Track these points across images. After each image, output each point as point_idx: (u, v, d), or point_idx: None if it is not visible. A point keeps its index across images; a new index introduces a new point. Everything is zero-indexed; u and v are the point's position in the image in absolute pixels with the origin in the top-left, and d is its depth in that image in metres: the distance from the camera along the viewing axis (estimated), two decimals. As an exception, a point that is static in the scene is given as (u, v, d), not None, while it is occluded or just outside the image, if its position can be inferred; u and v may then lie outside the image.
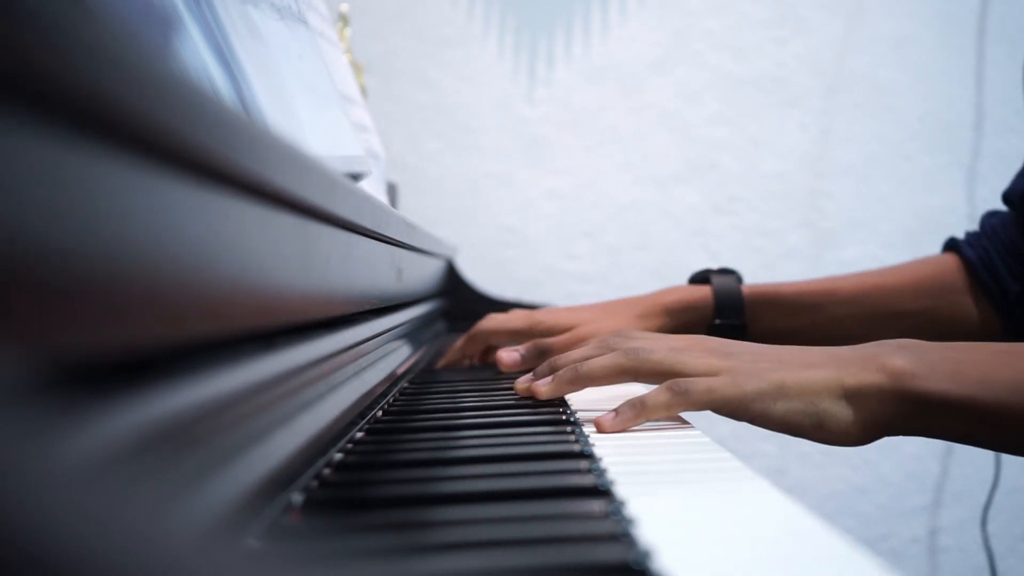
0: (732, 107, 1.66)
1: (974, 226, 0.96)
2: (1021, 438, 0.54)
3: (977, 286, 0.89)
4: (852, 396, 0.54)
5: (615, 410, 0.54)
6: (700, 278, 0.96)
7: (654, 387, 0.58)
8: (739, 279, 0.94)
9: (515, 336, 0.87)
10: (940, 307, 0.89)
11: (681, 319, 0.90)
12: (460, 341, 0.90)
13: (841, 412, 0.54)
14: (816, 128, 1.67)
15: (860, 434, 0.54)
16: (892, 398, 0.53)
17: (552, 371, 0.62)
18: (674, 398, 0.54)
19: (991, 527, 1.60)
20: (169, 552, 0.13)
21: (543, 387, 0.61)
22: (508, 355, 0.78)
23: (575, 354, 0.63)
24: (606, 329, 0.81)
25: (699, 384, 0.54)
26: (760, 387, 0.53)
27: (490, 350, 0.90)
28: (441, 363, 0.91)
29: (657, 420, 0.55)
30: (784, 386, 0.53)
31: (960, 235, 0.94)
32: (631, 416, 0.54)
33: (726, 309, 0.91)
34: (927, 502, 1.66)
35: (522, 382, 0.64)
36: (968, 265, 0.89)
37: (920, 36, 1.66)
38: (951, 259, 0.91)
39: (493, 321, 0.89)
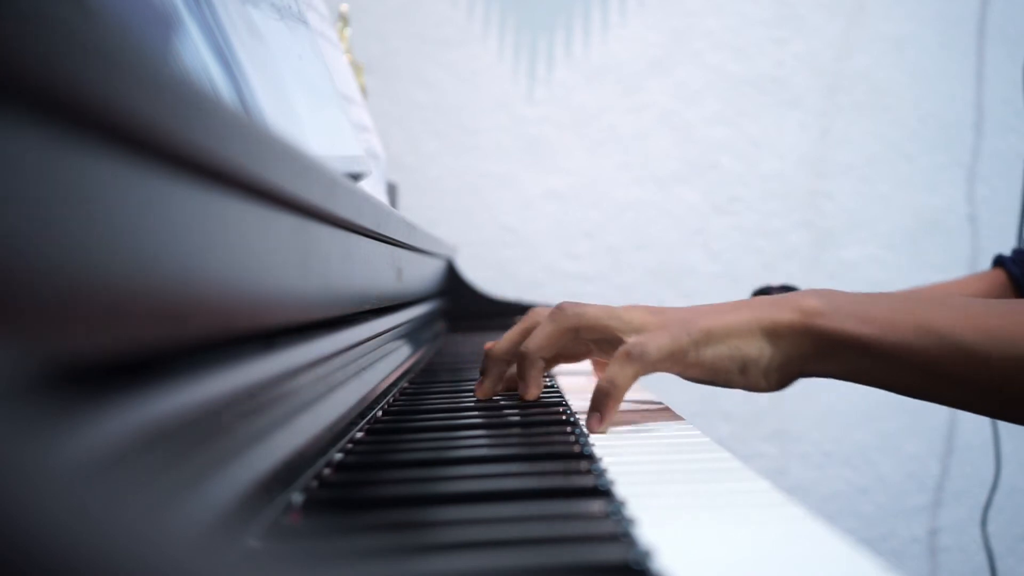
0: (732, 107, 1.66)
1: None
2: (922, 380, 0.56)
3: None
4: (769, 334, 0.57)
5: (593, 408, 0.55)
6: (763, 292, 0.97)
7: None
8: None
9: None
10: None
11: None
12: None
13: (761, 354, 0.57)
14: (816, 128, 1.67)
15: (777, 376, 0.58)
16: (804, 335, 0.57)
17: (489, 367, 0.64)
18: (637, 363, 0.56)
19: (991, 527, 1.60)
20: (169, 552, 0.13)
21: (486, 387, 0.63)
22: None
23: (502, 344, 0.64)
24: None
25: (650, 345, 0.56)
26: (692, 337, 0.56)
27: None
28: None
29: (625, 388, 0.56)
30: (711, 331, 0.57)
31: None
32: (609, 402, 0.55)
33: None
34: (927, 502, 1.66)
35: (480, 392, 0.65)
36: (1014, 281, 0.92)
37: (920, 36, 1.66)
38: (999, 275, 0.94)
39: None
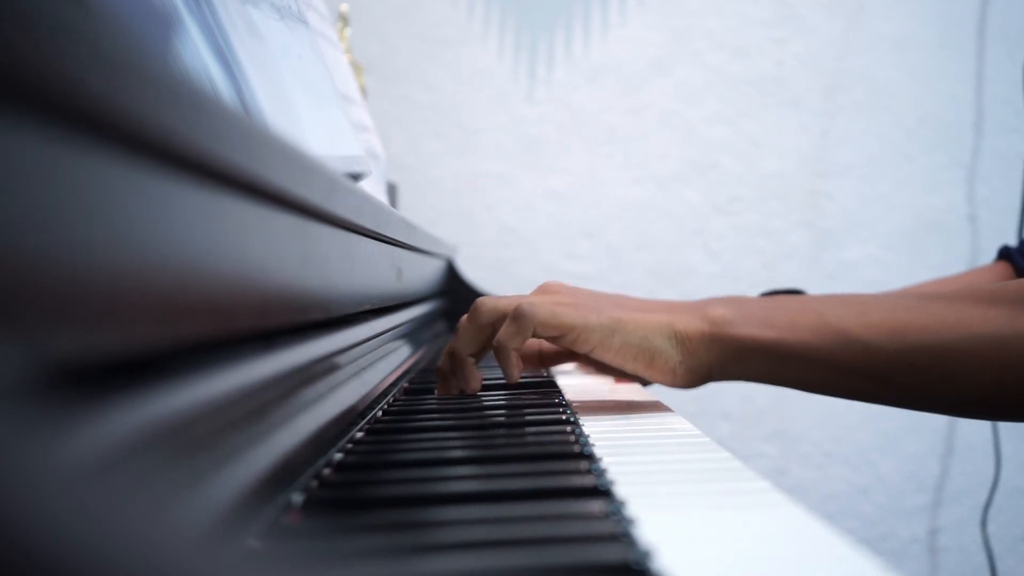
0: (732, 107, 1.66)
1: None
2: (825, 375, 0.59)
3: None
4: (680, 339, 0.60)
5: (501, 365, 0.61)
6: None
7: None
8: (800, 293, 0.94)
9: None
10: None
11: None
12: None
13: (670, 351, 0.59)
14: (816, 128, 1.67)
15: (685, 375, 0.60)
16: (712, 342, 0.59)
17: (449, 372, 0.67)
18: (522, 323, 0.59)
19: (991, 527, 1.60)
20: (169, 552, 0.13)
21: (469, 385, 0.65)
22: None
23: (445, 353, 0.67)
24: None
25: (542, 307, 0.59)
26: (600, 320, 0.59)
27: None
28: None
29: (516, 348, 0.60)
30: (621, 321, 0.59)
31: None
32: (503, 359, 0.60)
33: None
34: (927, 502, 1.66)
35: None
36: (1020, 272, 0.92)
37: (920, 36, 1.66)
38: (1004, 267, 0.94)
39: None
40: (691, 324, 0.59)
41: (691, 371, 0.60)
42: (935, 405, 0.61)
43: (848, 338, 0.58)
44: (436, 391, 0.67)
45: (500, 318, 0.62)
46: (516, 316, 0.59)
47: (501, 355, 0.60)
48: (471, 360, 0.64)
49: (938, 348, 0.56)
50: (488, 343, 0.63)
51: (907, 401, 0.60)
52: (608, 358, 0.59)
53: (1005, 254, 0.96)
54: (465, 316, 0.66)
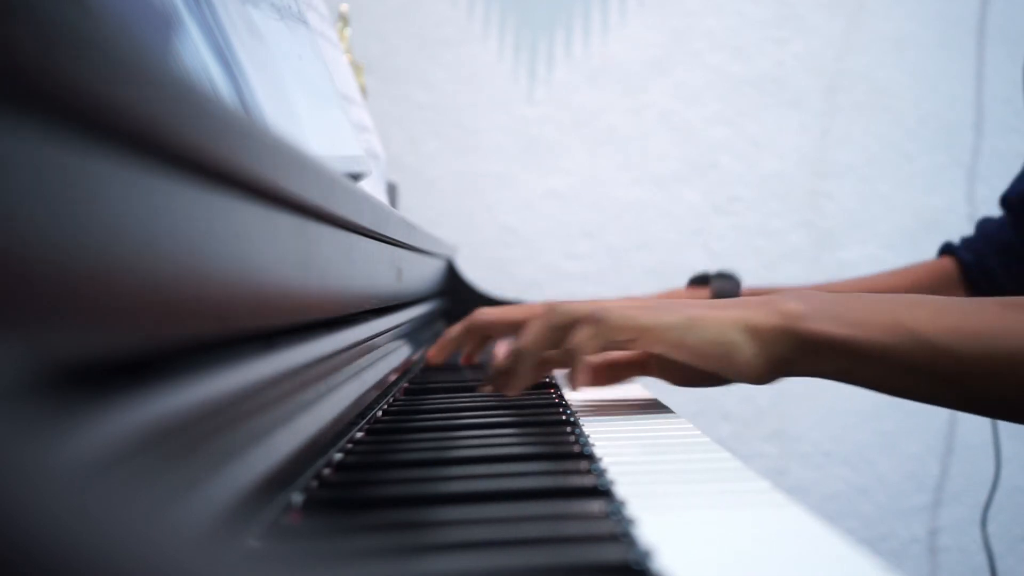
0: (732, 107, 1.66)
1: (973, 226, 0.97)
2: (897, 377, 0.59)
3: (972, 288, 0.91)
4: (754, 332, 0.59)
5: (568, 375, 0.59)
6: (700, 280, 0.96)
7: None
8: (738, 283, 0.94)
9: (515, 328, 0.86)
10: None
11: None
12: (456, 330, 0.86)
13: (746, 345, 0.59)
14: (816, 128, 1.67)
15: (762, 368, 0.60)
16: (785, 336, 0.59)
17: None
18: (597, 327, 0.58)
19: (991, 527, 1.60)
20: (169, 552, 0.13)
21: (508, 389, 0.64)
22: (505, 349, 0.80)
23: (501, 349, 0.67)
24: None
25: (616, 311, 0.59)
26: (675, 319, 0.59)
27: (485, 345, 0.88)
28: (433, 353, 0.86)
29: (590, 354, 0.60)
30: (696, 318, 0.59)
31: (959, 236, 0.95)
32: (575, 365, 0.59)
33: None
34: (927, 502, 1.66)
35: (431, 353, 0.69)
36: (964, 267, 0.92)
37: (920, 36, 1.66)
38: (948, 262, 0.94)
39: (490, 314, 0.87)
40: (764, 318, 0.59)
41: (768, 364, 0.60)
42: (1005, 411, 0.60)
43: (922, 340, 0.57)
44: (483, 389, 0.67)
45: (573, 323, 0.61)
46: (592, 320, 0.59)
47: (574, 360, 0.59)
48: (534, 362, 0.63)
49: (1014, 353, 0.56)
50: (556, 346, 0.63)
51: (977, 405, 0.60)
52: (684, 356, 0.59)
53: (948, 250, 0.97)
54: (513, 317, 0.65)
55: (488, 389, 0.66)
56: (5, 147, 0.17)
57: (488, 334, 0.87)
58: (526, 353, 0.62)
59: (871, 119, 1.66)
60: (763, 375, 0.60)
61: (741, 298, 0.62)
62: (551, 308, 0.62)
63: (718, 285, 0.93)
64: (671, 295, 0.94)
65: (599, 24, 1.66)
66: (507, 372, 0.63)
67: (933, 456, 1.66)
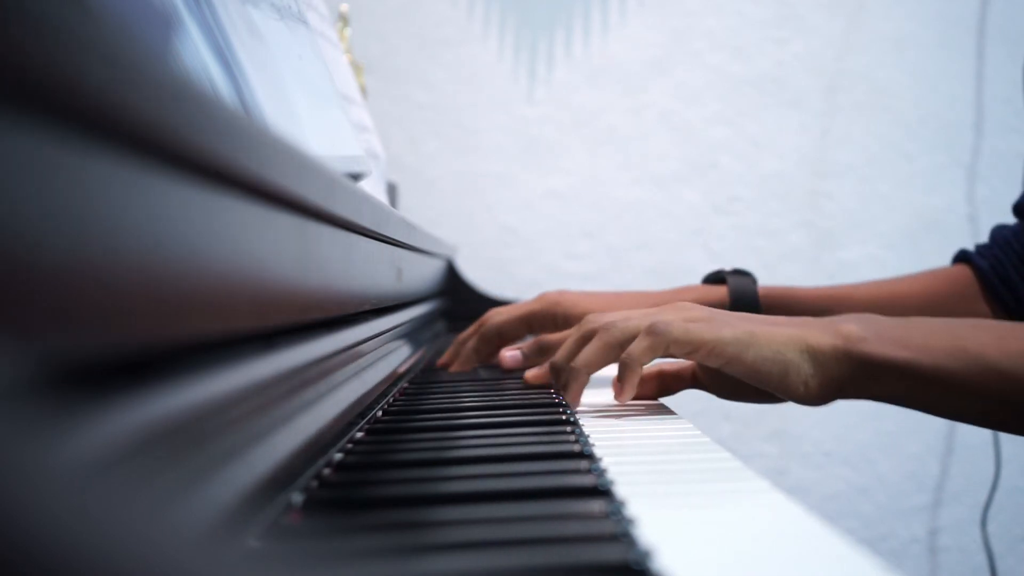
0: (732, 107, 1.66)
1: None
2: (956, 400, 0.59)
3: (990, 296, 0.90)
4: (813, 352, 0.59)
5: (617, 379, 0.60)
6: (715, 278, 0.95)
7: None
8: (754, 280, 0.94)
9: (529, 320, 0.86)
10: (954, 316, 0.90)
11: None
12: (471, 343, 0.86)
13: (803, 365, 0.59)
14: (816, 128, 1.67)
15: (818, 390, 0.59)
16: (845, 358, 0.58)
17: (540, 353, 0.69)
18: (655, 339, 0.58)
19: (991, 527, 1.60)
20: (169, 552, 0.13)
21: (570, 394, 0.64)
22: (511, 354, 0.79)
23: (565, 349, 0.65)
24: None
25: (676, 324, 0.59)
26: (734, 334, 0.58)
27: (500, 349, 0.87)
28: (452, 366, 0.86)
29: (645, 364, 0.60)
30: (755, 335, 0.58)
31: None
32: (629, 375, 0.59)
33: (742, 311, 0.91)
34: (927, 502, 1.66)
35: (531, 375, 0.69)
36: (981, 275, 0.91)
37: (920, 36, 1.66)
38: (963, 270, 0.93)
39: (501, 314, 0.86)
40: (823, 339, 0.59)
41: (823, 386, 0.59)
42: None
43: (986, 364, 0.57)
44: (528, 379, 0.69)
45: (631, 337, 0.60)
46: (650, 332, 0.59)
47: (627, 371, 0.60)
48: (585, 379, 0.63)
49: None
50: (612, 362, 0.63)
51: None
52: (741, 372, 0.59)
53: (963, 257, 0.96)
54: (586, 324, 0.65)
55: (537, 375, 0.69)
56: (5, 147, 0.17)
57: (503, 338, 0.86)
58: (582, 370, 0.62)
59: (871, 119, 1.66)
60: (816, 397, 0.60)
61: (800, 317, 0.62)
62: (607, 325, 0.62)
63: (735, 283, 0.93)
64: (683, 292, 0.93)
65: (599, 24, 1.66)
66: (563, 387, 0.63)
67: (933, 456, 1.66)
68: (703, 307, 0.62)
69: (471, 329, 0.87)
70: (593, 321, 0.64)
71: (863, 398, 0.61)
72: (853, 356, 0.58)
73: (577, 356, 0.62)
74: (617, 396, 0.60)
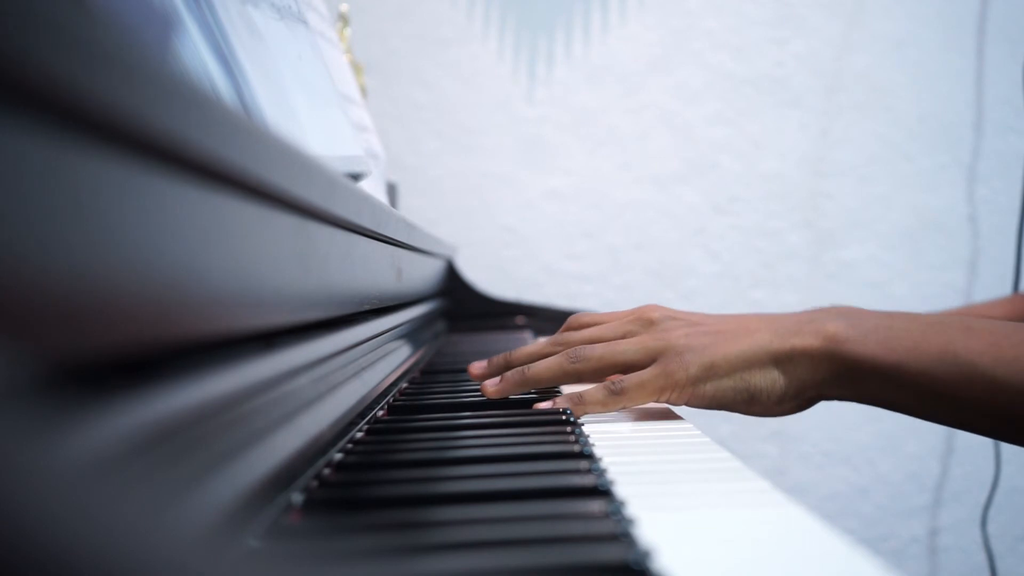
0: (732, 107, 1.66)
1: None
2: (943, 407, 0.55)
3: None
4: (781, 362, 0.56)
5: (552, 401, 0.59)
6: None
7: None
8: None
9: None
10: None
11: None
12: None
13: (770, 382, 0.56)
14: (816, 128, 1.67)
15: (791, 403, 0.57)
16: (823, 361, 0.55)
17: (506, 368, 0.64)
18: (609, 397, 0.57)
19: (991, 527, 1.60)
20: (169, 552, 0.13)
21: (491, 387, 0.62)
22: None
23: (527, 350, 0.65)
24: None
25: (631, 382, 0.57)
26: (689, 372, 0.56)
27: None
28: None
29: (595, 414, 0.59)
30: (713, 366, 0.56)
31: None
32: (575, 407, 0.58)
33: None
34: (927, 502, 1.66)
35: (487, 384, 0.64)
36: None
37: (920, 36, 1.66)
38: None
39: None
40: (797, 342, 0.56)
41: (799, 392, 0.56)
42: None
43: (976, 371, 0.53)
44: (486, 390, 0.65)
45: (590, 371, 0.60)
46: (609, 392, 0.57)
47: (576, 410, 0.58)
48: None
49: None
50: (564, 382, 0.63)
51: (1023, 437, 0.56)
52: (703, 405, 0.57)
53: None
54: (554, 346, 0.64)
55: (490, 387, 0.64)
56: (5, 148, 0.17)
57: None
58: (528, 380, 0.61)
59: (871, 119, 1.66)
60: (793, 407, 0.57)
61: (773, 315, 0.59)
62: (579, 356, 0.60)
63: None
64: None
65: (599, 24, 1.66)
66: (498, 377, 0.63)
67: (933, 456, 1.66)
68: (664, 319, 0.61)
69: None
70: (570, 329, 0.64)
71: (844, 399, 0.59)
72: (835, 357, 0.55)
73: (534, 364, 0.61)
74: (542, 406, 0.59)
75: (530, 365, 0.62)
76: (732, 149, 1.66)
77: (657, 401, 0.58)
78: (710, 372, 0.56)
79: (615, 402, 0.58)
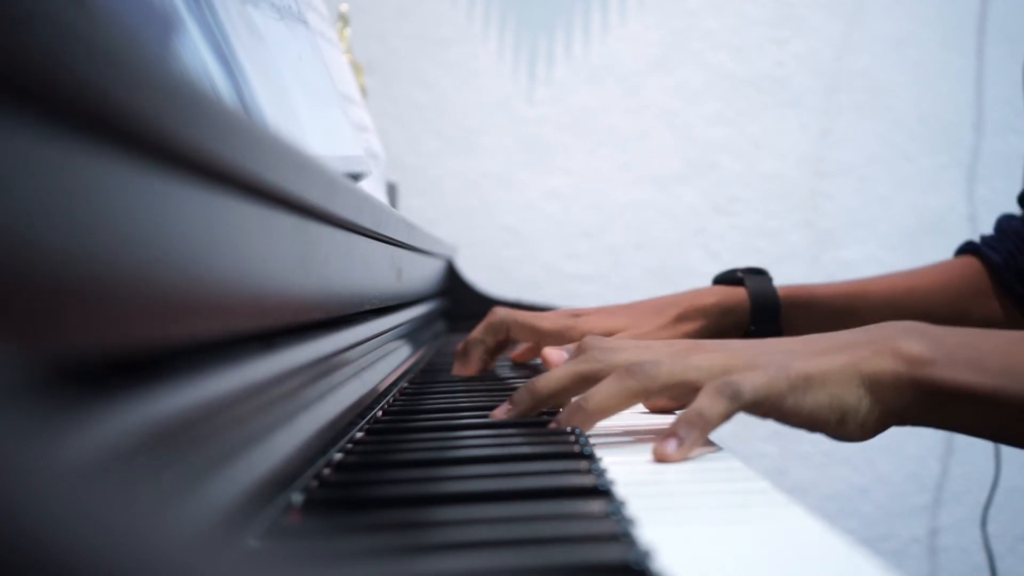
0: (732, 107, 1.66)
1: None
2: None
3: (1003, 288, 0.89)
4: (870, 384, 0.49)
5: (674, 435, 0.47)
6: (729, 279, 0.93)
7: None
8: (771, 279, 0.91)
9: (539, 336, 0.78)
10: (969, 309, 0.88)
11: (719, 323, 0.85)
12: (478, 331, 0.78)
13: (861, 404, 0.49)
14: (816, 128, 1.67)
15: (875, 428, 0.50)
16: (908, 387, 0.49)
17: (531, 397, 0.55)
18: (730, 403, 0.48)
19: (991, 527, 1.60)
20: (169, 552, 0.13)
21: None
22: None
23: (562, 378, 0.55)
24: (649, 339, 0.76)
25: (745, 384, 0.48)
26: (791, 381, 0.49)
27: (505, 347, 0.81)
28: (466, 368, 0.78)
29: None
30: (810, 377, 0.49)
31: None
32: (698, 435, 0.47)
33: (763, 312, 0.87)
34: (927, 502, 1.66)
35: (499, 412, 0.56)
36: (993, 268, 0.89)
37: (920, 36, 1.66)
38: (973, 262, 0.91)
39: (516, 313, 0.79)
40: (882, 364, 0.49)
41: (881, 421, 0.50)
42: None
43: None
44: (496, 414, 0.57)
45: (661, 389, 0.51)
46: (721, 395, 0.48)
47: (582, 416, 0.51)
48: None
49: None
50: (579, 392, 0.53)
51: None
52: (797, 422, 0.49)
53: (971, 249, 0.91)
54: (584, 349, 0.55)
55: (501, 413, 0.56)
56: (5, 147, 0.17)
57: (507, 335, 0.79)
58: (594, 415, 0.51)
59: (871, 119, 1.66)
60: (871, 434, 0.51)
61: (842, 334, 0.53)
62: (633, 369, 0.51)
63: (755, 284, 0.89)
64: (700, 294, 0.89)
65: (599, 24, 1.66)
66: (513, 402, 0.55)
67: (933, 456, 1.66)
68: (719, 343, 0.53)
69: (480, 326, 0.79)
70: (603, 351, 0.54)
71: (926, 426, 0.52)
72: (920, 384, 0.49)
73: (591, 394, 0.51)
74: (669, 455, 0.46)
75: (589, 399, 0.52)
76: (732, 149, 1.66)
77: (755, 411, 0.50)
78: (808, 384, 0.49)
79: (735, 407, 0.48)
